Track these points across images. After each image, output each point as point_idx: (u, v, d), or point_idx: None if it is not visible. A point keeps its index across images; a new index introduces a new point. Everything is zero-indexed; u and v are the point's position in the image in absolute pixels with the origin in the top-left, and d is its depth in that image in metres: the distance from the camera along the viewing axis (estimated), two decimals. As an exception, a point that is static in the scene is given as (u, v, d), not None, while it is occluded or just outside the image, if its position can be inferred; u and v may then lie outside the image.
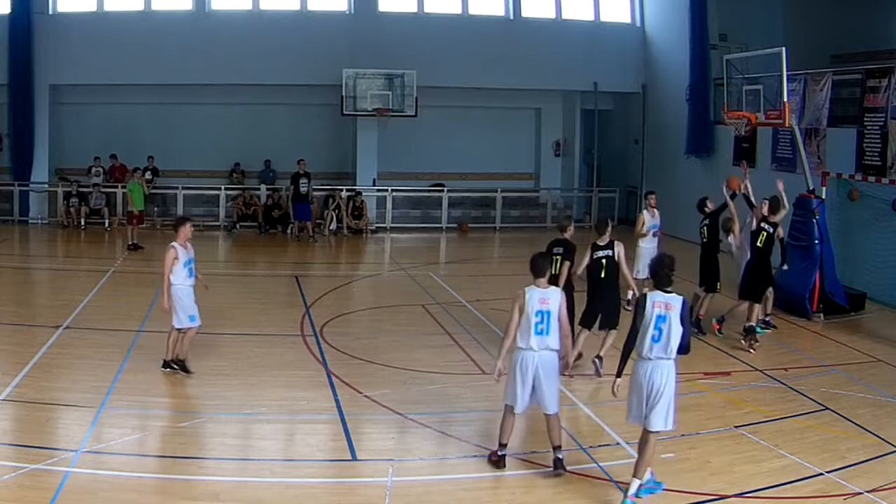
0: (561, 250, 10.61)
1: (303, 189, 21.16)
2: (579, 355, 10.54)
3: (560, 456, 7.65)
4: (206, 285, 10.67)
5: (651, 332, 6.91)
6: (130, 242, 18.91)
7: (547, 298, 7.55)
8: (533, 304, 7.49)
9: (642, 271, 12.73)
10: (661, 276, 7.06)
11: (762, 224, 12.15)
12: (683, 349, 7.00)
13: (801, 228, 14.07)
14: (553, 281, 9.84)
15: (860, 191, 15.15)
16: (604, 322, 10.61)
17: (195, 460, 7.80)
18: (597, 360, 10.51)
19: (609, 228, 10.64)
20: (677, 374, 7.04)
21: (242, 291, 15.59)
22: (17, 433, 8.26)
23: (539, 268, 7.69)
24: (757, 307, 12.09)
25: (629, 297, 11.57)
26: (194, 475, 7.49)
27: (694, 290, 12.73)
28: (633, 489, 6.97)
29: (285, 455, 8.26)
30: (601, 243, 10.51)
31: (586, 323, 10.66)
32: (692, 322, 12.25)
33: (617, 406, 9.62)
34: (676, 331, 6.91)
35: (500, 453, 7.78)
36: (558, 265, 10.39)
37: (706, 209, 13.02)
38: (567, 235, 10.88)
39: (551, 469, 7.62)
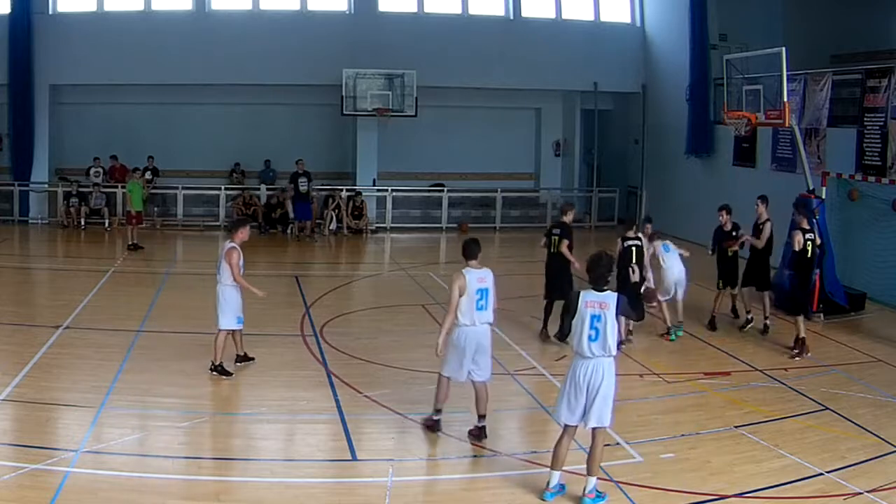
0: (559, 231, 12.04)
1: (302, 188, 21.18)
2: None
3: (483, 425, 8.32)
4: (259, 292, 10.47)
5: (587, 331, 6.95)
6: (130, 242, 18.91)
7: (483, 277, 8.25)
8: (473, 284, 8.15)
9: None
10: (598, 274, 7.09)
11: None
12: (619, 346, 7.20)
13: (801, 228, 14.04)
14: (551, 259, 11.70)
15: (860, 191, 15.15)
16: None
17: (195, 460, 7.81)
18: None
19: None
20: (616, 372, 7.14)
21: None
22: (17, 433, 8.26)
23: (470, 251, 8.36)
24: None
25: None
26: (194, 475, 7.49)
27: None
28: (590, 486, 7.09)
29: (285, 455, 8.26)
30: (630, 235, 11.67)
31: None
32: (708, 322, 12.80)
33: (617, 406, 9.63)
34: (612, 328, 6.95)
35: (435, 418, 8.52)
36: (556, 244, 11.93)
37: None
38: (566, 219, 12.22)
39: (472, 436, 8.30)
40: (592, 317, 6.95)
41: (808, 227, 12.01)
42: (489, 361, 8.42)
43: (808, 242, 11.90)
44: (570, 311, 7.10)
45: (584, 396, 6.99)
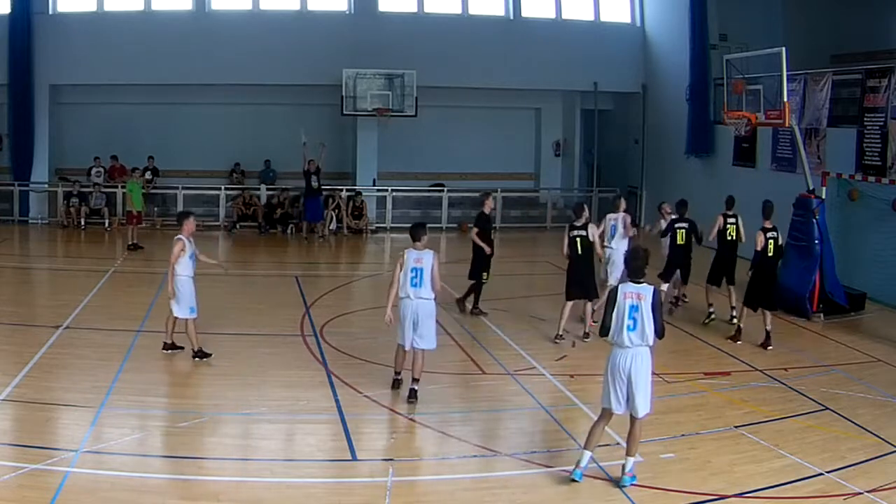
0: (584, 232, 11.95)
1: (314, 184, 21.19)
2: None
3: (416, 388, 9.37)
4: (222, 266, 11.51)
5: (626, 321, 7.30)
6: (130, 242, 18.92)
7: (420, 258, 9.30)
8: (409, 263, 9.28)
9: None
10: (635, 267, 7.53)
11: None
12: (659, 334, 7.39)
13: (801, 228, 14.06)
14: (579, 261, 12.05)
15: (860, 191, 15.15)
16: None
17: (195, 460, 7.81)
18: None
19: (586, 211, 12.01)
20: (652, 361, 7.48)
21: (242, 291, 15.61)
22: (17, 433, 8.27)
23: (415, 234, 9.43)
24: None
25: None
26: (194, 475, 7.49)
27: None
28: (629, 466, 7.43)
29: (285, 455, 8.26)
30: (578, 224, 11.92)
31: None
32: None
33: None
34: (650, 319, 7.28)
35: (396, 378, 9.74)
36: (583, 244, 11.92)
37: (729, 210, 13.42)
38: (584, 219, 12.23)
39: (407, 400, 9.31)
40: (631, 307, 7.30)
41: (770, 227, 12.17)
42: (431, 333, 9.42)
43: (770, 241, 12.07)
44: (609, 306, 7.44)
45: (626, 385, 7.33)
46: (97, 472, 7.38)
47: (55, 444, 7.94)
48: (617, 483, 7.42)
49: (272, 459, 8.01)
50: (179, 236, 10.58)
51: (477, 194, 24.24)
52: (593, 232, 12.06)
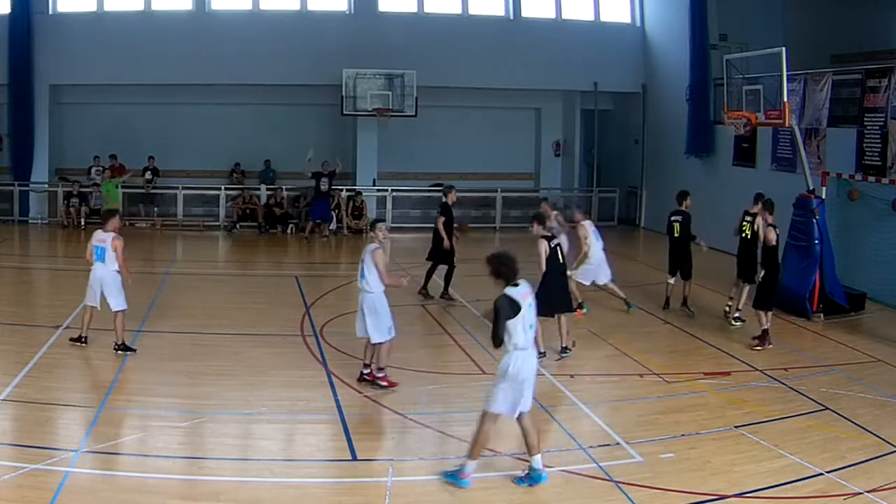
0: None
1: (323, 187, 21.22)
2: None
3: (366, 372, 9.79)
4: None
5: (528, 322, 7.30)
6: None
7: (364, 253, 9.72)
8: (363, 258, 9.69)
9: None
10: (512, 272, 7.38)
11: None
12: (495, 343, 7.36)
13: (801, 228, 14.05)
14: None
15: (860, 191, 15.15)
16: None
17: (195, 460, 7.80)
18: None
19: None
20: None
21: (242, 291, 15.60)
22: (17, 433, 8.26)
23: (372, 225, 10.26)
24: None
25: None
26: (194, 475, 7.49)
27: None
28: (536, 463, 7.36)
29: (285, 455, 8.25)
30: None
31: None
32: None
33: (617, 406, 9.68)
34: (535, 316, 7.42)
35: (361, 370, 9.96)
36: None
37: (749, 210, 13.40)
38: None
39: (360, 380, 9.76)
40: (530, 306, 7.34)
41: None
42: (375, 326, 9.59)
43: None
44: (506, 315, 7.20)
45: (524, 387, 7.31)
46: (97, 472, 7.38)
47: (55, 444, 7.94)
48: (531, 482, 7.33)
49: (272, 459, 8.00)
50: (109, 233, 10.92)
51: (478, 194, 24.50)
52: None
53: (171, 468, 7.60)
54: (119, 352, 10.69)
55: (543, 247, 10.87)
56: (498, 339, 7.28)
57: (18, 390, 9.22)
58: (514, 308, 7.21)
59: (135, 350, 10.82)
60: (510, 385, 7.28)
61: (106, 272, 10.79)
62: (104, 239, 10.81)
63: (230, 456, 7.97)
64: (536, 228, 11.11)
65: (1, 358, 10.33)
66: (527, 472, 7.43)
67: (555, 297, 10.88)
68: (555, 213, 13.44)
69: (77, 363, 10.52)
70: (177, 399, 9.40)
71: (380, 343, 9.67)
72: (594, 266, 13.46)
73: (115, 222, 11.01)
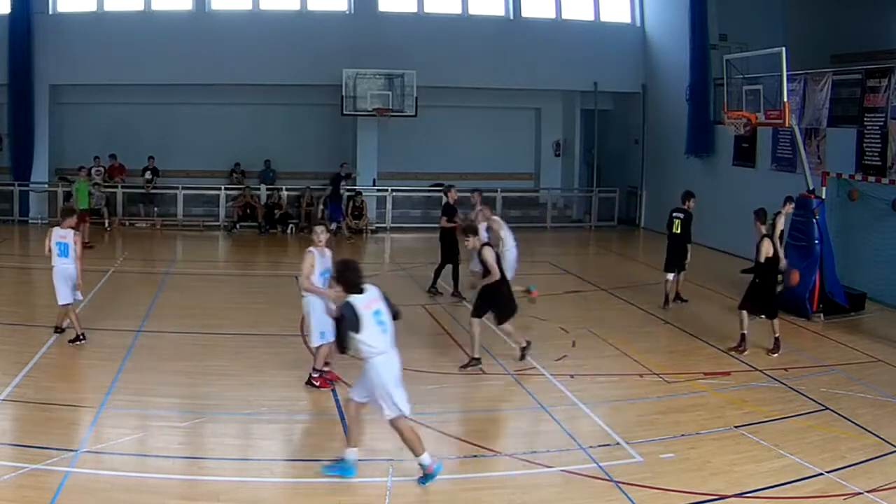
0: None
1: (340, 191, 21.33)
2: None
3: (311, 373, 9.74)
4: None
5: (379, 327, 7.22)
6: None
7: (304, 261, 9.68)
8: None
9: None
10: (356, 279, 7.28)
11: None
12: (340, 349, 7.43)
13: (801, 228, 14.06)
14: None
15: (860, 191, 15.15)
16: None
17: (195, 460, 7.80)
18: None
19: None
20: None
21: (242, 291, 15.60)
22: (17, 433, 8.26)
23: (314, 220, 9.66)
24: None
25: None
26: (194, 475, 7.49)
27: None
28: (426, 461, 7.37)
29: (285, 455, 8.26)
30: None
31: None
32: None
33: (617, 406, 9.67)
34: (390, 318, 7.33)
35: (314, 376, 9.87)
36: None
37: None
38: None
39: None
40: (375, 312, 7.22)
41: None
42: (310, 328, 9.68)
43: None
44: (349, 326, 7.11)
45: (399, 386, 7.33)
46: (97, 472, 7.37)
47: (55, 444, 7.92)
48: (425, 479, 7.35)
49: (272, 459, 8.01)
50: (66, 230, 11.25)
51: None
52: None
53: (171, 468, 7.60)
54: (70, 344, 11.00)
55: (491, 255, 10.61)
56: (342, 347, 7.35)
57: (18, 390, 9.22)
58: (356, 318, 7.08)
59: (85, 338, 11.05)
60: (384, 391, 7.25)
61: (71, 267, 11.13)
62: (65, 235, 11.17)
63: (230, 456, 7.97)
64: (473, 241, 10.86)
65: (1, 358, 10.32)
66: (339, 459, 7.52)
67: (510, 302, 10.78)
68: (479, 209, 13.86)
69: (77, 363, 10.52)
70: (177, 399, 9.39)
71: (316, 346, 9.67)
72: (512, 258, 13.50)
73: (71, 221, 11.39)
